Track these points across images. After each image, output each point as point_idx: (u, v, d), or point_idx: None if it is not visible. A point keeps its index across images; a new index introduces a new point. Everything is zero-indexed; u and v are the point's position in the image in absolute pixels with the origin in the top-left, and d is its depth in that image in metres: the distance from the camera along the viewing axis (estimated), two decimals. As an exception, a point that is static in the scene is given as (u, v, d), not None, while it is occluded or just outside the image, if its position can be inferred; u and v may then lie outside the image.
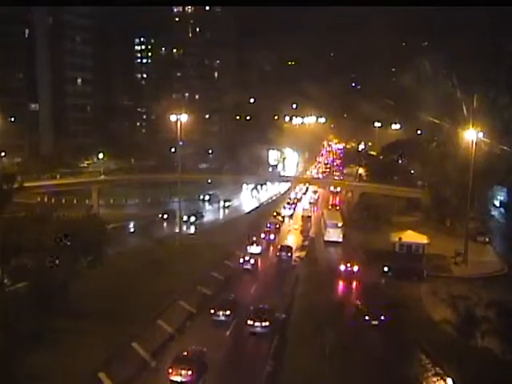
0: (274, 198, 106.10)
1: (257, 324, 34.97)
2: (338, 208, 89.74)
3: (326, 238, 65.44)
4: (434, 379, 29.67)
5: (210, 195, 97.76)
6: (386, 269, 50.75)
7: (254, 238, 59.60)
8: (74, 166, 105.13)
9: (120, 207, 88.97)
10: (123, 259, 51.59)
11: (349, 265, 50.58)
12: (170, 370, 28.33)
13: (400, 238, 57.12)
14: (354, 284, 49.23)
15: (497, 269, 54.76)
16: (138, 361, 30.88)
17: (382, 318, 36.93)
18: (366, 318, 37.44)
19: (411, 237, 57.23)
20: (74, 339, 31.89)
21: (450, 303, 32.61)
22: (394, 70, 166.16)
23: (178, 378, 27.99)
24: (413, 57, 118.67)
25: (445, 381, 29.07)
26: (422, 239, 57.07)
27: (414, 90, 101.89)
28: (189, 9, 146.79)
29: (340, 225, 66.20)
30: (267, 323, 34.98)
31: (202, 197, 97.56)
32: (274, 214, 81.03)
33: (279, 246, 58.99)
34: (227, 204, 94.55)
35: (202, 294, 43.57)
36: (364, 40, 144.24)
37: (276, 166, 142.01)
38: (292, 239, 68.56)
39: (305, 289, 46.00)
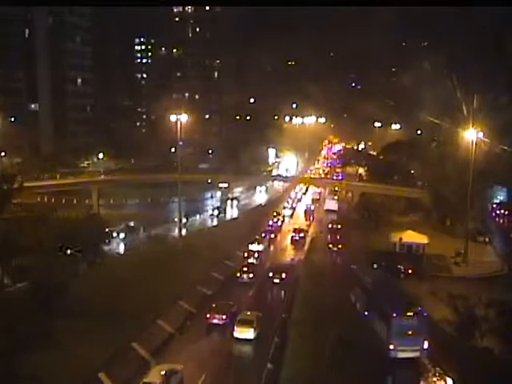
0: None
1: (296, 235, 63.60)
2: (337, 190, 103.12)
3: (325, 207, 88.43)
4: None
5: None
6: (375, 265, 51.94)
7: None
8: (73, 166, 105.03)
9: (120, 207, 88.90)
10: (123, 259, 51.56)
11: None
12: (208, 316, 35.43)
13: (400, 238, 57.26)
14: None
15: (497, 269, 54.81)
16: (138, 360, 30.87)
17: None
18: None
19: (411, 237, 57.30)
20: (73, 339, 31.78)
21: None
22: (393, 69, 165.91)
23: (215, 321, 35.37)
24: (413, 57, 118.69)
25: None
26: (422, 239, 57.12)
27: (414, 89, 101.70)
28: (189, 9, 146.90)
29: (335, 198, 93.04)
30: (302, 234, 63.94)
31: None
32: (274, 213, 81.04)
33: (306, 203, 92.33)
34: None
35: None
36: (364, 40, 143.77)
37: (277, 166, 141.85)
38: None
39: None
